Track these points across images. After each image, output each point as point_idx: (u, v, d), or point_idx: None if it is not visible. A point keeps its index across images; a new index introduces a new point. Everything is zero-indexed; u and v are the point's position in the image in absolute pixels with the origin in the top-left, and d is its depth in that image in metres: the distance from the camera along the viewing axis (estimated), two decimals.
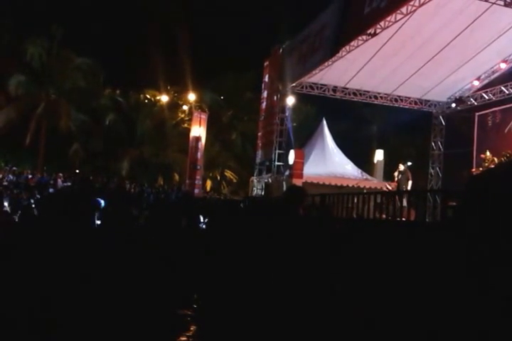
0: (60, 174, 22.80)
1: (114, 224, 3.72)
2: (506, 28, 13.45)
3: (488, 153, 14.05)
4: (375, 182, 17.47)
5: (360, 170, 18.43)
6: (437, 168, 19.30)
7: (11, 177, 21.44)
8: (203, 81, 29.40)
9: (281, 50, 18.71)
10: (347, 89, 17.96)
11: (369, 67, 16.03)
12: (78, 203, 2.67)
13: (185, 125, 30.71)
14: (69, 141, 29.71)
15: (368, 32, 12.84)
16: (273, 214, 3.72)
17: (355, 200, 9.47)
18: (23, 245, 2.34)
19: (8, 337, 2.15)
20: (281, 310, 2.70)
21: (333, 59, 14.73)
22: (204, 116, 23.90)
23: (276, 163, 18.24)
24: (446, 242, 1.23)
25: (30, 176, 22.34)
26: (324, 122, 19.20)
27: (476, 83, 17.07)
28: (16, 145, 28.25)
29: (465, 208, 1.22)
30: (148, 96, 33.52)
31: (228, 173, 34.43)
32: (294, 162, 16.26)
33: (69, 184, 21.20)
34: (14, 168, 23.88)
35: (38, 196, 16.42)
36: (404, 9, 11.64)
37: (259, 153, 20.24)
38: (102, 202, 4.88)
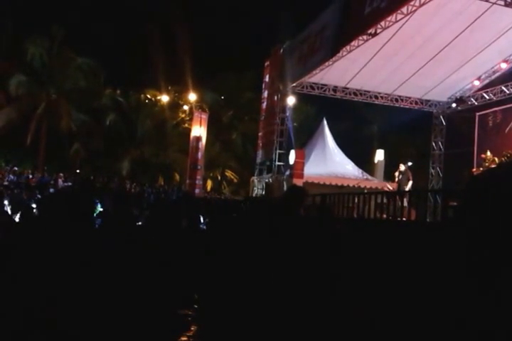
0: (61, 174, 22.78)
1: (115, 224, 3.73)
2: (507, 28, 13.45)
3: (488, 153, 14.06)
4: (376, 182, 17.47)
5: (360, 170, 18.42)
6: (438, 168, 19.30)
7: (11, 177, 21.41)
8: (203, 81, 29.41)
9: (281, 50, 18.71)
10: (347, 89, 17.96)
11: (369, 67, 16.03)
12: (79, 203, 2.67)
13: (186, 125, 30.74)
14: (69, 140, 29.76)
15: (369, 32, 12.85)
16: (273, 214, 3.72)
17: (356, 200, 9.51)
18: (24, 245, 2.34)
19: (8, 337, 2.15)
20: (281, 310, 2.70)
21: (333, 59, 14.74)
22: (204, 116, 23.91)
23: (277, 163, 18.25)
24: (446, 242, 1.23)
25: (30, 176, 22.32)
26: (325, 122, 19.19)
27: (477, 83, 17.07)
28: (17, 145, 28.26)
29: (465, 208, 1.22)
30: (148, 96, 33.52)
31: (229, 173, 34.44)
32: (295, 162, 16.27)
33: (69, 184, 21.21)
34: (15, 168, 23.83)
35: (39, 196, 16.39)
36: (404, 9, 11.65)
37: (260, 153, 20.25)
38: (99, 206, 4.88)
